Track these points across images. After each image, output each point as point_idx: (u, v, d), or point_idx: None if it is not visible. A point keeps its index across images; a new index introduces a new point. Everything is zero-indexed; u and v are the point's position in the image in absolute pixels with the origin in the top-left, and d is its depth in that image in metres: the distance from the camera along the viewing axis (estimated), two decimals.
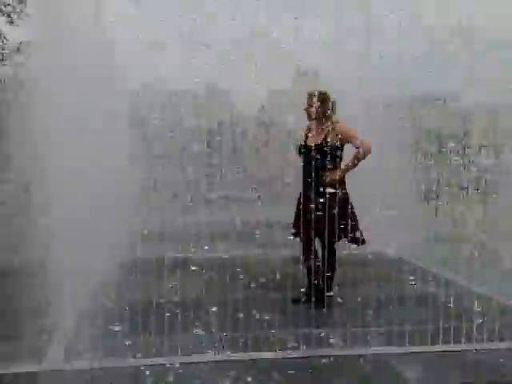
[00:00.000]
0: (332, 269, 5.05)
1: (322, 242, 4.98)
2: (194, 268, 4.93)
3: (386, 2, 6.44)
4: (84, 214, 4.51)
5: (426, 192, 7.21)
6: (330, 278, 5.03)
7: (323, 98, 5.03)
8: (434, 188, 6.93)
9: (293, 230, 5.15)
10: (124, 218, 6.48)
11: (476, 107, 7.81)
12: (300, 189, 5.05)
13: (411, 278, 5.20)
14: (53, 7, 4.25)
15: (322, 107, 5.01)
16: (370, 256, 5.11)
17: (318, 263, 5.02)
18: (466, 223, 6.10)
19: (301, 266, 5.11)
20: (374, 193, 6.52)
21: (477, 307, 4.54)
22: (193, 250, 5.57)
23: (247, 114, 10.17)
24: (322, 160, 4.91)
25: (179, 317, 4.28)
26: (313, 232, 4.86)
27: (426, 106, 7.91)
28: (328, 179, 4.89)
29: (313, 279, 5.04)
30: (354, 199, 4.95)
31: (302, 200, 4.98)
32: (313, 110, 5.03)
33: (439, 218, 7.54)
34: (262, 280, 5.13)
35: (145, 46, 6.40)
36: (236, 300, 4.72)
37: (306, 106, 5.11)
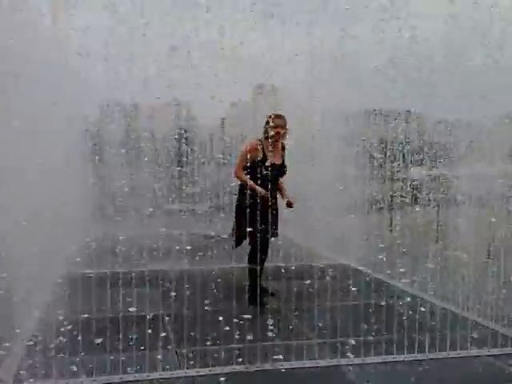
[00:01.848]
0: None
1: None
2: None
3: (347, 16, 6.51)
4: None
5: (369, 202, 7.35)
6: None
7: (285, 120, 5.64)
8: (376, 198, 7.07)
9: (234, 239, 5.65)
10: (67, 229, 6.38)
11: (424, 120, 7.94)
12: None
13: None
14: None
15: (286, 129, 5.63)
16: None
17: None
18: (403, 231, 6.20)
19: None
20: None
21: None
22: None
23: (207, 126, 10.17)
24: (279, 176, 5.71)
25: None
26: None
27: (380, 118, 8.01)
28: (287, 199, 5.74)
29: (259, 281, 5.49)
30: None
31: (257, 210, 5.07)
32: (283, 132, 5.58)
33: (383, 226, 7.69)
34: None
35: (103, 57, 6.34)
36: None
37: (275, 127, 5.49)
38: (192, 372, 4.06)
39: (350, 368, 4.18)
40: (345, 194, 7.62)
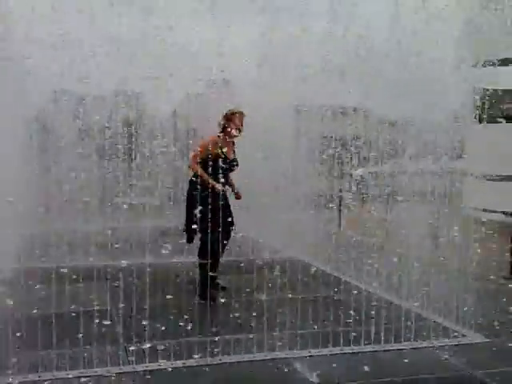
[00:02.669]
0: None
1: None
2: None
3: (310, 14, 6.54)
4: None
5: (319, 198, 7.48)
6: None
7: None
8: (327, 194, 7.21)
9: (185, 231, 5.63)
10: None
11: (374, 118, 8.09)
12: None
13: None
14: None
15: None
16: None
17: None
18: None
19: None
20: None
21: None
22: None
23: (159, 118, 10.05)
24: (231, 170, 5.82)
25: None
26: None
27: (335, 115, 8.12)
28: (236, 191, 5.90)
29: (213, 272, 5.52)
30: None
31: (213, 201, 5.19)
32: (241, 128, 5.72)
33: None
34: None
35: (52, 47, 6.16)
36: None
37: (237, 124, 5.65)
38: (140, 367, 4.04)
39: (290, 360, 4.24)
40: (293, 190, 7.71)
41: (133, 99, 9.29)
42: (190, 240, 5.68)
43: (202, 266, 5.60)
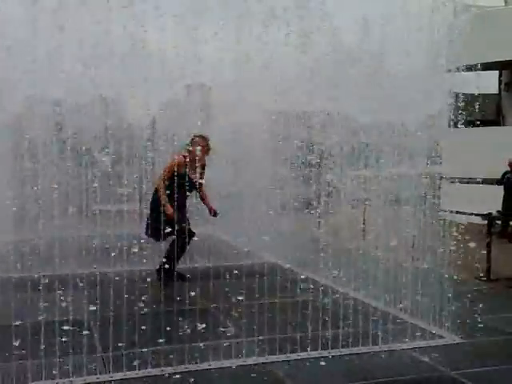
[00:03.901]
0: None
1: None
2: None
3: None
4: None
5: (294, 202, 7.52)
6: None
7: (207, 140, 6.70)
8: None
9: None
10: None
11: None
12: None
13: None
14: None
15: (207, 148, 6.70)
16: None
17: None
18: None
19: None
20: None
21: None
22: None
23: (138, 125, 9.99)
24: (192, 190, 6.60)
25: None
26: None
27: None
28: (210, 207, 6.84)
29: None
30: None
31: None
32: (206, 149, 6.62)
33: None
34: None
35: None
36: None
37: (202, 149, 6.40)
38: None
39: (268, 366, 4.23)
40: (271, 195, 7.71)
41: (110, 105, 9.24)
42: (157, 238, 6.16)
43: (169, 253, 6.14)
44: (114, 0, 5.65)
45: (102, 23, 5.99)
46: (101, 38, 6.08)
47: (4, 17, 6.28)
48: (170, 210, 6.24)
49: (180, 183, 5.87)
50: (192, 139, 6.66)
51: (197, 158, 6.39)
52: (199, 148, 6.27)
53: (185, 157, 6.33)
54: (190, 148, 6.42)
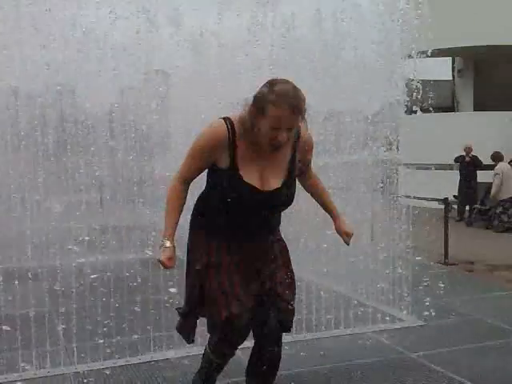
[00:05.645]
0: None
1: None
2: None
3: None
4: None
5: None
6: None
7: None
8: None
9: None
10: None
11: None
12: None
13: None
14: None
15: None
16: None
17: None
18: None
19: None
20: None
21: None
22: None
23: (97, 113, 9.78)
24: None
25: None
26: None
27: None
28: None
29: None
30: None
31: None
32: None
33: None
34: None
35: None
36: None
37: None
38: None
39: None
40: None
41: (66, 94, 9.01)
42: None
43: None
44: None
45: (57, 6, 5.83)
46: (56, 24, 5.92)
47: None
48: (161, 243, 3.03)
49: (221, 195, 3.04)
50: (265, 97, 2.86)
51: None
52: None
53: (232, 123, 2.96)
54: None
